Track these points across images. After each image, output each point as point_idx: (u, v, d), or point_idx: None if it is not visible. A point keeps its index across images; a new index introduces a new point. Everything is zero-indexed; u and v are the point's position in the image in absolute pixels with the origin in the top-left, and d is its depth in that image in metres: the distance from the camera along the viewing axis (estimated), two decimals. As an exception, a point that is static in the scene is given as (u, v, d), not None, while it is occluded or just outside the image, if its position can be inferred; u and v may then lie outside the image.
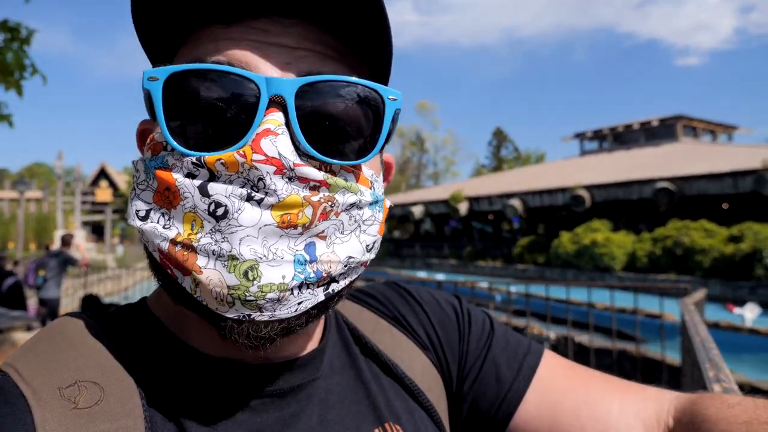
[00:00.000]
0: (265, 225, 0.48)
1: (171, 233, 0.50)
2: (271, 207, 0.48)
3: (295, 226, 0.49)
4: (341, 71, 0.54)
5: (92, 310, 0.63)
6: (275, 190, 0.48)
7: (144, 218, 0.52)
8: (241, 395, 0.57)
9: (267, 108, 0.50)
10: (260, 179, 0.48)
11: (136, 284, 16.73)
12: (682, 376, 4.28)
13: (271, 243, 0.49)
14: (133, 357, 0.56)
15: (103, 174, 60.62)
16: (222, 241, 0.48)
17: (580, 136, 37.05)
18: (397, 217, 35.66)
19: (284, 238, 0.49)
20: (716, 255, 16.59)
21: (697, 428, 0.62)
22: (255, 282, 0.48)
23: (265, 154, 0.47)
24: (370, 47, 0.56)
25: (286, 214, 0.49)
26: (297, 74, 0.52)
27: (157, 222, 0.52)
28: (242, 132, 0.49)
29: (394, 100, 0.55)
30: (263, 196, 0.48)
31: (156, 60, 0.60)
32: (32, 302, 9.82)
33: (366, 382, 0.67)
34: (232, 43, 0.52)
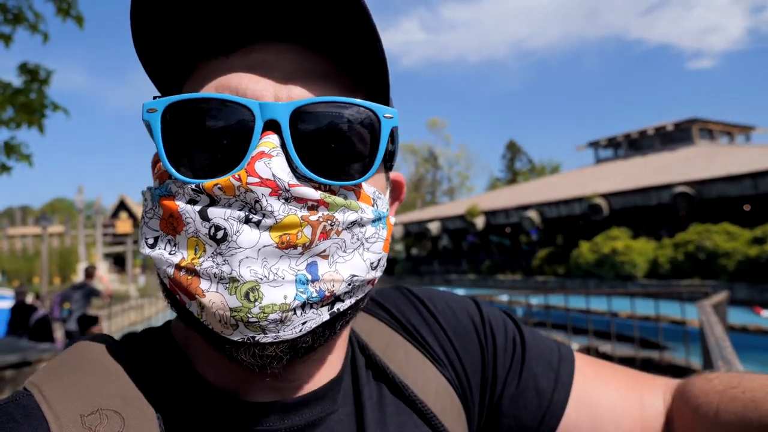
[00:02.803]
0: (264, 246, 0.48)
1: (176, 259, 0.51)
2: (270, 228, 0.49)
3: (295, 246, 0.50)
4: (336, 93, 0.55)
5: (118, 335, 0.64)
6: (272, 212, 0.48)
7: (152, 246, 0.54)
8: None
9: (262, 132, 0.51)
10: (257, 201, 0.48)
11: (158, 313, 16.90)
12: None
13: (271, 264, 0.49)
14: (154, 386, 0.56)
15: (122, 206, 61.52)
16: (223, 264, 0.49)
17: (595, 145, 36.80)
18: (414, 234, 35.63)
19: (285, 259, 0.50)
20: (740, 258, 16.27)
21: (685, 402, 0.70)
22: (257, 303, 0.48)
23: (260, 177, 0.48)
24: (364, 68, 0.57)
25: (285, 234, 0.49)
26: (291, 98, 0.53)
27: (164, 249, 0.53)
28: (239, 157, 0.50)
29: (390, 118, 0.55)
30: (261, 218, 0.49)
31: (165, 93, 0.60)
32: (59, 335, 9.97)
33: (371, 411, 0.65)
34: (228, 70, 0.54)
